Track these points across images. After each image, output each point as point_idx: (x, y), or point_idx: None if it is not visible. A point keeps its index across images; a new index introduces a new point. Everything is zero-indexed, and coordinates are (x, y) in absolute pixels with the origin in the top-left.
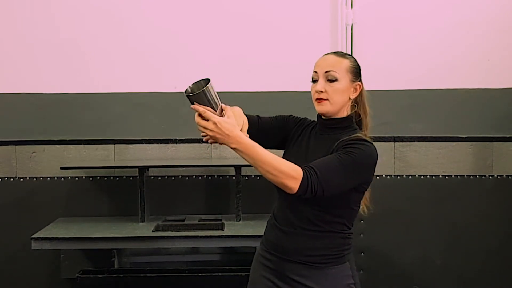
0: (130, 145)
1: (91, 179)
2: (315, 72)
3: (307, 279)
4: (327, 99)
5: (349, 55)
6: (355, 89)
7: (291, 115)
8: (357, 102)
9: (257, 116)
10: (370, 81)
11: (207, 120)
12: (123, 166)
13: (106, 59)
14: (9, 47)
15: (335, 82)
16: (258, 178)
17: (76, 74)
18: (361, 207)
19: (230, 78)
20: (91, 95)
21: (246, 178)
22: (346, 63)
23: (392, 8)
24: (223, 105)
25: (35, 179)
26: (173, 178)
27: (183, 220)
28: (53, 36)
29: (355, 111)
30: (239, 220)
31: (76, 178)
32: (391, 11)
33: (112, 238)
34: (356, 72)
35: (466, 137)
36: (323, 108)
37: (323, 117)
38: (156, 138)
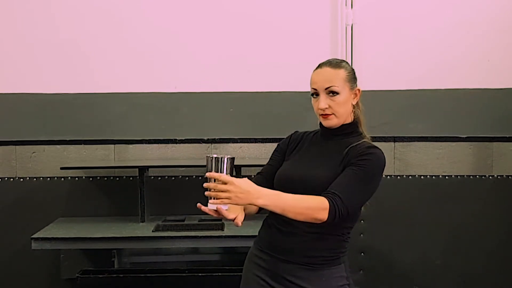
0: (130, 145)
1: (91, 179)
2: (314, 88)
3: (302, 280)
4: (333, 114)
5: (342, 61)
6: (355, 94)
7: (278, 144)
8: (357, 104)
9: (259, 174)
10: (370, 81)
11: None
12: (123, 166)
13: (106, 59)
14: (9, 47)
15: (337, 96)
16: None
17: (76, 74)
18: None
19: (230, 78)
20: (91, 95)
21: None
22: (343, 73)
23: (392, 8)
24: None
25: (35, 179)
26: (173, 178)
27: (183, 220)
28: (53, 36)
29: (355, 112)
30: None
31: (76, 178)
32: (391, 11)
33: (112, 238)
34: (353, 78)
35: (466, 137)
36: (331, 122)
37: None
38: (156, 138)
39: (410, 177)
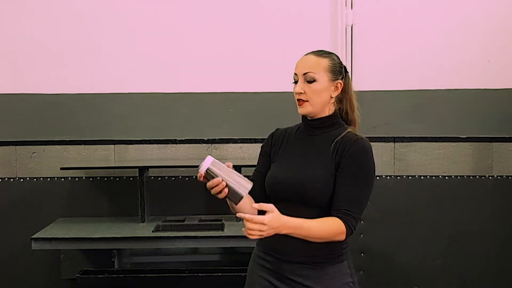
0: (130, 146)
1: (91, 179)
2: (295, 73)
3: (307, 279)
4: (307, 100)
5: (330, 53)
6: (336, 87)
7: (262, 146)
8: (341, 99)
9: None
10: (370, 82)
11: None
12: (123, 167)
13: (106, 60)
14: (9, 48)
15: (314, 83)
16: None
17: (76, 75)
18: None
19: (230, 79)
20: (91, 95)
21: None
22: (325, 62)
23: (392, 8)
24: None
25: (35, 179)
26: (173, 178)
27: (183, 221)
28: (53, 36)
29: (340, 108)
30: (239, 220)
31: (76, 179)
32: (391, 12)
33: (112, 239)
34: (336, 71)
35: (466, 138)
36: (304, 109)
37: (308, 118)
38: (156, 138)
39: (410, 177)
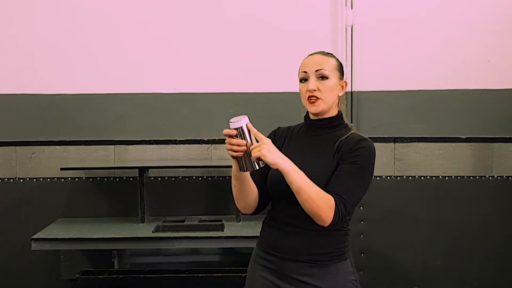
0: (130, 146)
1: (91, 180)
2: (304, 72)
3: (310, 278)
4: (320, 98)
5: (331, 53)
6: (342, 86)
7: None
8: (341, 99)
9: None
10: (370, 82)
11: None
12: (123, 167)
13: (106, 60)
14: (9, 48)
15: (327, 80)
16: None
17: (76, 75)
18: None
19: (230, 79)
20: (91, 95)
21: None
22: (333, 61)
23: (392, 9)
24: None
25: (35, 180)
26: (173, 178)
27: (183, 221)
28: (53, 37)
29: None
30: (239, 221)
31: (76, 179)
32: (391, 12)
33: (112, 239)
34: (341, 70)
35: (466, 138)
36: (317, 107)
37: (312, 117)
38: (156, 138)
39: (410, 177)
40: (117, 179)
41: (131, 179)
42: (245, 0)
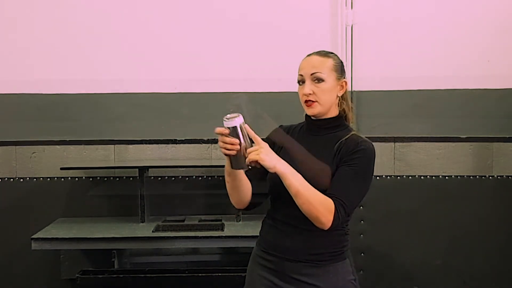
0: (130, 146)
1: (91, 179)
2: (301, 75)
3: (310, 277)
4: (316, 101)
5: (331, 53)
6: (342, 86)
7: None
8: (343, 99)
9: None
10: (370, 82)
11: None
12: (123, 167)
13: (106, 59)
14: (9, 48)
15: (322, 83)
16: None
17: (75, 75)
18: None
19: (230, 79)
20: (91, 95)
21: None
22: (330, 62)
23: (392, 9)
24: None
25: (35, 179)
26: (173, 178)
27: (183, 221)
28: (52, 36)
29: (343, 110)
30: (239, 221)
31: (76, 179)
32: (391, 11)
33: (112, 239)
34: (340, 70)
35: (466, 138)
36: (314, 110)
37: (313, 117)
38: (156, 138)
39: (410, 177)
40: (117, 179)
41: (131, 178)
42: (246, 1)
